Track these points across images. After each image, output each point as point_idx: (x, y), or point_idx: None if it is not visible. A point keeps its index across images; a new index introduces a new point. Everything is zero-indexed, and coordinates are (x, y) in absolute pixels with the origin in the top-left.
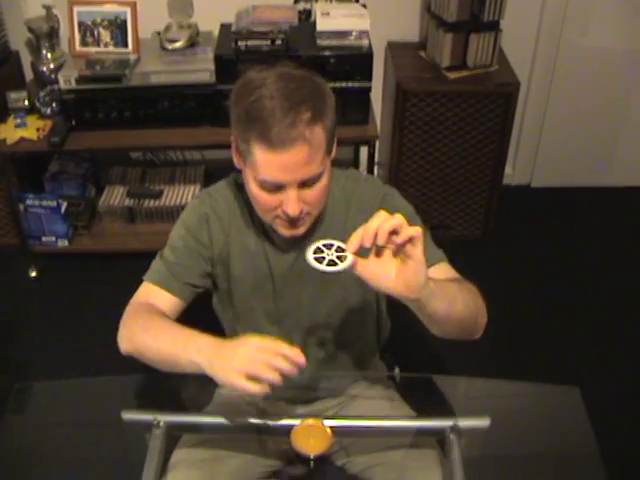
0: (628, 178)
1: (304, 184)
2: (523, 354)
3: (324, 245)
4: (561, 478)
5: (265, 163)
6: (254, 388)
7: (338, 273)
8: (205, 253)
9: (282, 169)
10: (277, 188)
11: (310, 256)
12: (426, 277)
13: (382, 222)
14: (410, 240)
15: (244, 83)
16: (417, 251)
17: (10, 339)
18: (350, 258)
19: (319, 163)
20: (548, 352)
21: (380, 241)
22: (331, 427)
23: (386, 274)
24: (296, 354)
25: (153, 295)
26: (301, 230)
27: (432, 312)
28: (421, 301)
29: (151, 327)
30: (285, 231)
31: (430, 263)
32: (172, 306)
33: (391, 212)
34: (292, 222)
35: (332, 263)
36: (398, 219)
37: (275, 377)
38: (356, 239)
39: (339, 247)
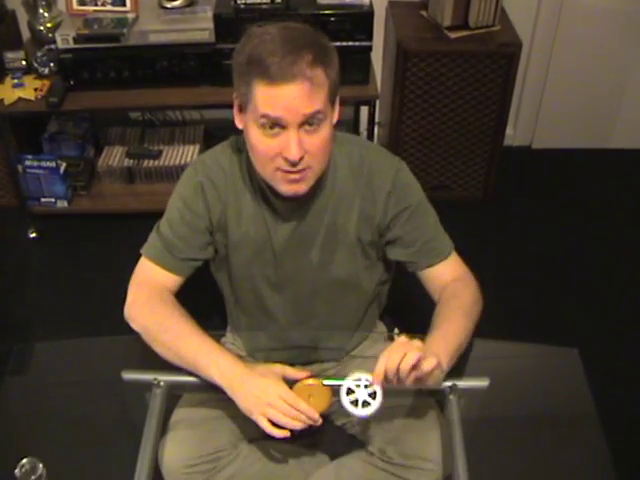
0: (630, 140)
1: (305, 129)
2: (522, 315)
3: (354, 382)
4: (559, 438)
5: (266, 98)
6: (275, 432)
7: (373, 415)
8: (202, 224)
9: (283, 104)
10: (277, 130)
11: (346, 401)
12: (441, 381)
13: (403, 361)
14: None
15: (247, 35)
16: (434, 376)
17: (10, 300)
18: (380, 393)
19: (321, 103)
20: (547, 313)
21: (403, 377)
22: (330, 387)
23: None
24: (312, 414)
25: (152, 271)
26: (302, 187)
27: None
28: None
29: (170, 328)
30: (286, 186)
31: (439, 259)
32: (171, 282)
33: (403, 189)
34: (293, 174)
35: (365, 402)
36: (416, 354)
37: (295, 425)
38: (380, 373)
39: (367, 381)
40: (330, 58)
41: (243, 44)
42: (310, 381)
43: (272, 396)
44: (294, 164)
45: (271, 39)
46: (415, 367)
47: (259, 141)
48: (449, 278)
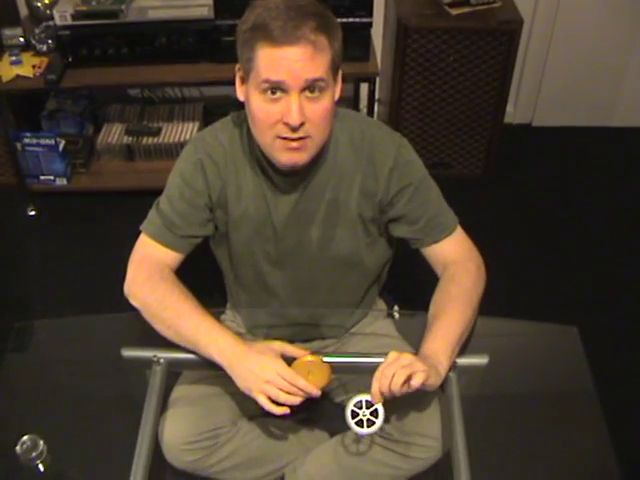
0: (631, 118)
1: (307, 96)
2: (522, 293)
3: (355, 405)
4: (557, 416)
5: (268, 61)
6: (275, 410)
7: (380, 430)
8: (202, 201)
9: (285, 67)
10: (279, 96)
11: (352, 423)
12: (439, 376)
13: (392, 383)
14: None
15: (251, 7)
16: (429, 384)
17: (10, 278)
18: (381, 410)
19: (323, 70)
20: (547, 291)
21: (397, 394)
22: (330, 363)
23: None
24: (311, 391)
25: (152, 249)
26: (302, 156)
27: None
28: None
29: (170, 306)
30: (285, 155)
31: (445, 235)
32: (171, 259)
33: (405, 166)
34: (293, 142)
35: (369, 421)
36: (404, 374)
37: (294, 401)
38: (377, 394)
39: (367, 401)
40: (334, 30)
41: (247, 14)
42: (309, 358)
43: (270, 373)
44: (294, 129)
45: (275, 6)
46: (406, 383)
47: (260, 108)
48: (452, 255)
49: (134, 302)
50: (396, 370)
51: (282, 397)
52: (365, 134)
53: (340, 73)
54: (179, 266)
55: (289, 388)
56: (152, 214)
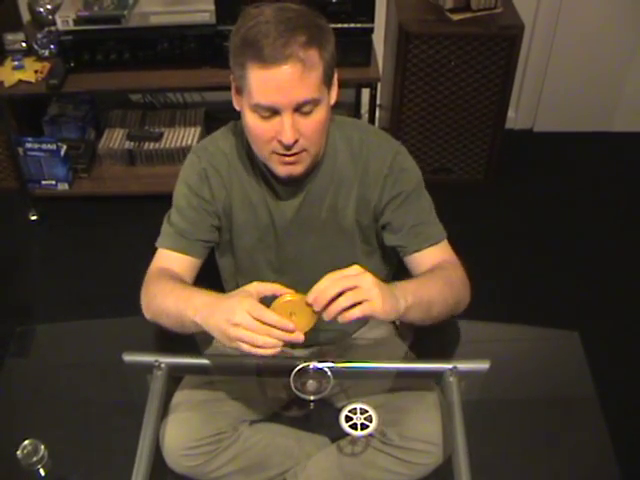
0: (631, 123)
1: (300, 112)
2: (523, 298)
3: (349, 411)
4: (559, 421)
5: (259, 84)
6: (260, 352)
7: (371, 434)
8: (209, 208)
9: (275, 89)
10: (272, 114)
11: (345, 426)
12: (396, 307)
13: (337, 302)
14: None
15: (242, 16)
16: (377, 313)
17: (11, 282)
18: (375, 416)
19: (314, 87)
20: (548, 296)
21: (332, 315)
22: (330, 369)
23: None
24: (285, 325)
25: (167, 260)
26: (298, 169)
27: (409, 321)
28: (398, 317)
29: (159, 292)
30: (282, 168)
31: (428, 244)
32: (188, 266)
33: (400, 173)
34: (288, 157)
35: (363, 425)
36: (358, 294)
37: (273, 343)
38: (313, 296)
39: (362, 408)
40: (325, 39)
41: (239, 25)
42: (289, 297)
43: (239, 314)
44: (288, 148)
45: (265, 21)
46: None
47: (254, 125)
48: (437, 262)
49: (145, 314)
50: (346, 290)
51: (259, 340)
52: (364, 142)
53: (335, 76)
54: (195, 274)
55: (259, 328)
56: (164, 227)
